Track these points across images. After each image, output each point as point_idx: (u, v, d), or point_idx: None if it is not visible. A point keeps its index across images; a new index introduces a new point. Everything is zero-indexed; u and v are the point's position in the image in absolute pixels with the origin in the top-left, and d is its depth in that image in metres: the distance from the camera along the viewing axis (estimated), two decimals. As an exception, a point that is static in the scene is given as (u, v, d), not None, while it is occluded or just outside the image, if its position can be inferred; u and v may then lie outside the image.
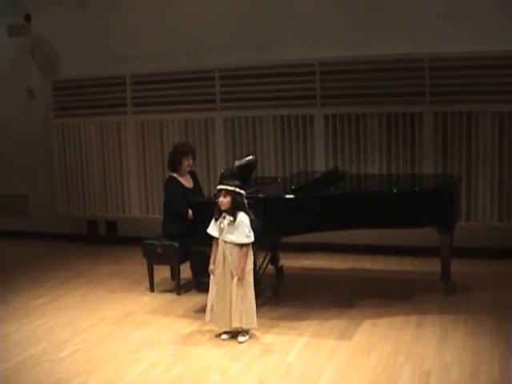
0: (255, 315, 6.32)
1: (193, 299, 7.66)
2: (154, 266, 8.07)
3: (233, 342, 6.32)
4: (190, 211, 7.56)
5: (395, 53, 8.86)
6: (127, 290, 8.20)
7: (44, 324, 7.09)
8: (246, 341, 6.31)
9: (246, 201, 6.36)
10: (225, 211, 6.29)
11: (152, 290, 8.07)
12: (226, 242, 6.30)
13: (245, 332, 6.35)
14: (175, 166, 8.09)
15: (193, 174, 8.34)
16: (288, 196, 7.00)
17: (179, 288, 7.91)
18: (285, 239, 7.68)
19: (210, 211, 6.47)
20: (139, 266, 8.49)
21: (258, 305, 6.43)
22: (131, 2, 10.29)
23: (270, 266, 8.07)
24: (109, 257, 10.00)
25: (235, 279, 6.24)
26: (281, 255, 8.44)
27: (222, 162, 9.81)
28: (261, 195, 7.16)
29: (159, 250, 7.94)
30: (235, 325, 6.29)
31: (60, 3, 10.61)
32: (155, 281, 8.11)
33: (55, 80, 10.89)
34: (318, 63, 9.30)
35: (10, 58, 11.19)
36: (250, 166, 7.86)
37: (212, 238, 6.42)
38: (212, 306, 6.39)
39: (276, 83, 9.55)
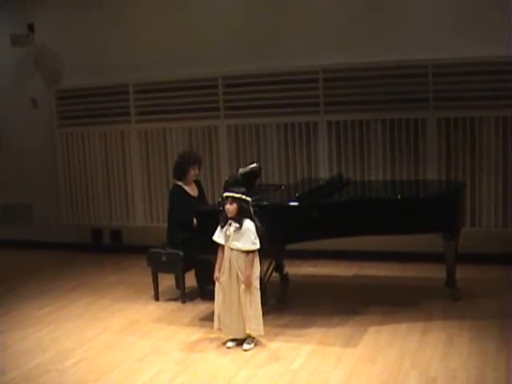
0: (262, 322, 6.32)
1: (198, 307, 7.66)
2: (159, 275, 8.08)
3: (239, 350, 6.32)
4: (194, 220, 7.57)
5: (398, 59, 8.87)
6: (132, 299, 8.20)
7: (50, 333, 7.10)
8: (251, 348, 6.31)
9: (252, 208, 6.36)
10: (231, 218, 6.31)
11: (157, 298, 8.07)
12: (232, 249, 6.30)
13: (250, 340, 6.35)
14: (181, 174, 8.10)
15: (198, 183, 8.34)
16: (292, 203, 7.01)
17: (184, 296, 7.91)
18: (289, 246, 7.68)
19: (215, 219, 6.48)
20: (144, 275, 8.50)
21: (264, 312, 6.42)
22: (134, 11, 10.31)
23: (274, 274, 8.07)
24: (113, 266, 10.00)
25: (243, 286, 6.25)
26: (285, 263, 8.45)
27: (226, 170, 9.82)
28: (265, 203, 7.16)
29: (164, 259, 7.95)
30: (248, 332, 6.29)
31: (63, 13, 10.65)
32: (160, 289, 8.11)
33: (58, 89, 10.92)
34: (321, 70, 9.31)
35: (13, 67, 11.22)
36: (253, 174, 7.87)
37: (217, 245, 6.43)
38: (219, 314, 6.40)
39: (279, 91, 9.56)
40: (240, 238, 6.27)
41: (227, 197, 6.31)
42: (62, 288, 8.83)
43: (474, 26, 8.57)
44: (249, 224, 6.28)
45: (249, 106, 9.78)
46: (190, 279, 8.09)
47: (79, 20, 10.59)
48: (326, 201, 7.22)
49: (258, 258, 6.37)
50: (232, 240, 6.30)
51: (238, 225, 6.27)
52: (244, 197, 6.30)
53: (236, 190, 6.36)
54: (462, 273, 7.66)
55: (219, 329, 6.46)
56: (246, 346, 6.33)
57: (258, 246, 6.27)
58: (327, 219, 6.95)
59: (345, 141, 9.36)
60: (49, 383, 5.82)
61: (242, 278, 6.26)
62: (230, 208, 6.28)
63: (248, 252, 6.27)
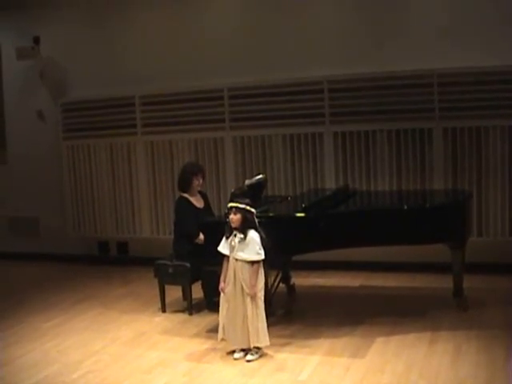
0: (267, 332, 6.31)
1: (205, 319, 7.65)
2: (166, 287, 8.07)
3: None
4: (201, 235, 7.57)
5: (403, 69, 8.88)
6: (139, 311, 8.19)
7: (57, 345, 7.09)
8: (254, 359, 6.28)
9: (256, 219, 6.36)
10: (235, 229, 6.31)
11: (164, 310, 8.06)
12: (236, 259, 6.30)
13: (255, 351, 6.33)
14: (185, 186, 8.11)
15: (203, 195, 8.35)
16: (299, 214, 7.00)
17: (191, 308, 7.90)
18: (296, 257, 7.67)
19: (221, 231, 6.48)
20: (151, 287, 8.48)
21: (271, 323, 6.42)
22: (139, 23, 10.35)
23: (281, 285, 8.05)
24: (120, 278, 10.02)
25: (248, 298, 6.23)
26: (292, 273, 8.43)
27: (232, 182, 9.83)
28: (271, 214, 7.16)
29: (171, 270, 7.94)
30: (254, 344, 6.27)
31: (69, 25, 10.70)
32: (167, 301, 8.10)
33: (64, 102, 10.95)
34: (326, 81, 9.32)
35: (19, 80, 11.26)
36: (260, 185, 7.87)
37: (223, 255, 6.43)
38: (224, 325, 6.39)
39: (285, 102, 9.58)
40: (245, 249, 6.27)
41: (232, 207, 6.33)
42: (69, 300, 8.83)
43: (478, 35, 8.59)
44: (253, 234, 6.28)
45: (254, 118, 9.79)
46: (197, 291, 8.07)
47: (85, 32, 10.64)
48: (333, 211, 7.22)
49: (262, 269, 6.36)
50: (237, 251, 6.30)
51: (242, 235, 6.27)
52: (248, 208, 6.31)
53: (241, 200, 6.37)
54: (470, 283, 7.64)
55: (223, 339, 6.45)
56: (249, 357, 6.31)
57: (262, 256, 6.26)
58: (334, 230, 6.94)
59: (351, 151, 9.37)
60: (56, 395, 5.84)
61: (246, 289, 6.25)
62: (234, 218, 6.29)
63: (253, 262, 6.27)
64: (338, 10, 9.33)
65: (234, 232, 6.33)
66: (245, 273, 6.27)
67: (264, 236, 6.32)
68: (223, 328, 6.40)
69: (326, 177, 9.51)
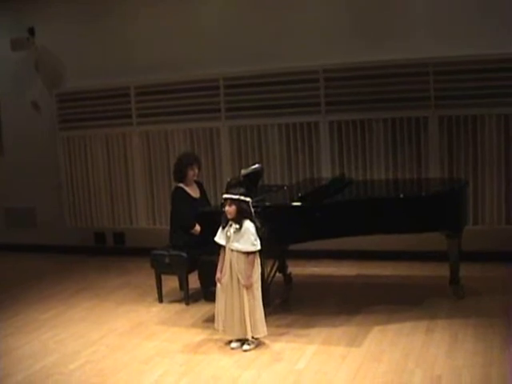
0: (265, 323, 6.32)
1: (201, 309, 7.65)
2: (162, 277, 8.07)
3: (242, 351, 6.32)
4: (198, 227, 7.56)
5: (399, 58, 8.86)
6: (136, 302, 8.19)
7: (54, 336, 7.09)
8: (251, 349, 6.29)
9: (252, 209, 6.35)
10: (231, 219, 6.30)
11: (160, 300, 8.06)
12: (232, 250, 6.30)
13: (251, 341, 6.33)
14: (181, 176, 8.10)
15: (199, 184, 8.35)
16: (295, 204, 6.99)
17: (188, 298, 7.90)
18: (292, 247, 7.68)
19: (218, 220, 6.48)
20: (147, 277, 8.51)
21: (267, 313, 6.43)
22: (134, 13, 10.31)
23: (278, 274, 8.05)
24: (117, 268, 10.00)
25: (245, 290, 6.23)
26: (288, 263, 8.43)
27: (228, 171, 9.81)
28: (268, 203, 7.15)
29: (167, 261, 7.94)
30: (252, 335, 6.28)
31: (64, 16, 10.66)
32: (163, 291, 8.11)
33: (59, 92, 10.93)
34: (321, 70, 9.31)
35: (14, 71, 11.22)
36: (256, 175, 7.85)
37: (219, 246, 6.42)
38: (221, 315, 6.39)
39: (280, 91, 9.56)
40: (240, 239, 6.26)
41: (226, 199, 6.32)
42: (66, 291, 8.84)
43: (474, 24, 8.57)
44: (248, 225, 6.27)
45: (250, 107, 9.78)
46: (194, 281, 8.07)
47: (80, 23, 10.59)
48: (329, 201, 7.21)
49: (258, 260, 6.36)
50: (232, 241, 6.30)
51: (237, 226, 6.27)
52: (242, 198, 6.29)
53: (235, 191, 6.36)
54: (466, 271, 7.66)
55: (222, 330, 6.45)
56: (246, 347, 6.31)
57: (258, 247, 6.26)
58: (330, 219, 6.94)
59: (346, 140, 9.36)
60: (54, 386, 5.84)
61: (242, 280, 6.25)
62: (230, 210, 6.28)
63: (248, 253, 6.26)
64: (333, -1, 9.33)
65: (230, 222, 6.33)
66: (240, 263, 6.27)
67: (259, 225, 6.32)
68: (221, 318, 6.41)
69: (322, 166, 9.51)
